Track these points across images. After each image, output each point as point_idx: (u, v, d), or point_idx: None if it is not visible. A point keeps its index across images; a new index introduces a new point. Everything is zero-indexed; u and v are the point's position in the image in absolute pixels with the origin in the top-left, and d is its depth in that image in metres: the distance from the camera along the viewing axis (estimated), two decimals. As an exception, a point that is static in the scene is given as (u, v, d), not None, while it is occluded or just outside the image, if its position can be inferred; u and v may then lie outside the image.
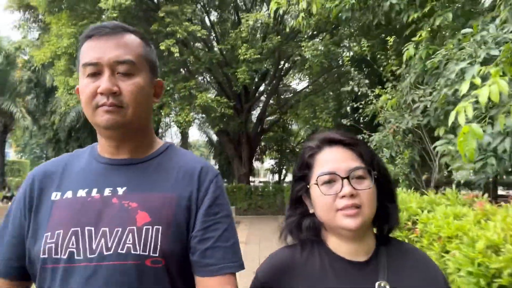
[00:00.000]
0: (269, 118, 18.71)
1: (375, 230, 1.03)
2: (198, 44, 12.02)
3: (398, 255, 0.98)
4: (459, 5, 4.93)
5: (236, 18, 13.83)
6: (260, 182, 23.29)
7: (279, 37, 10.73)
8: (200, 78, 14.78)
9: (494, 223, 1.66)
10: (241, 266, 0.94)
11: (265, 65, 12.81)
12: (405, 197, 2.91)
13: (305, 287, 0.94)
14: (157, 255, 0.85)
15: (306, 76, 15.09)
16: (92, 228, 0.87)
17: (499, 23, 3.79)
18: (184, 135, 23.46)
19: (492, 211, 1.92)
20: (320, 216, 0.98)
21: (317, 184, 0.96)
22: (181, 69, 12.59)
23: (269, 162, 28.85)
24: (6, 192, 23.23)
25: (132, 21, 10.31)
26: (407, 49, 4.82)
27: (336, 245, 0.98)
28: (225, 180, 21.64)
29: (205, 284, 0.90)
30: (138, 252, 0.84)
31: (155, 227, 0.87)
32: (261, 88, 16.61)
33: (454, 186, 3.38)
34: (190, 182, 0.96)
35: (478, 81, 2.99)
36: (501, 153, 3.08)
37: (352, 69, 5.54)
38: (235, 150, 16.60)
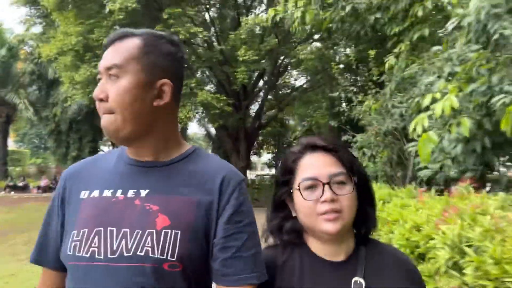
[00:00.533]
0: (267, 113, 19.28)
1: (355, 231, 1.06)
2: (199, 42, 12.54)
3: (376, 255, 1.00)
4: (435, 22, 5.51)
5: (236, 15, 14.46)
6: (257, 175, 23.91)
7: (276, 40, 11.37)
8: (199, 74, 15.30)
9: (423, 210, 2.28)
10: (262, 277, 0.93)
11: (263, 66, 13.40)
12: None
13: (284, 285, 0.96)
14: (174, 259, 0.85)
15: (304, 73, 15.60)
16: (114, 229, 0.88)
17: (464, 41, 4.38)
18: (184, 129, 24.05)
19: (428, 201, 2.54)
20: (302, 220, 1.00)
21: (299, 189, 0.98)
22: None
23: (266, 156, 29.55)
24: (8, 181, 23.81)
25: (137, 22, 10.86)
26: (389, 59, 5.42)
27: (316, 247, 1.01)
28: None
29: None
30: (156, 256, 0.84)
31: (174, 231, 0.87)
32: (260, 85, 17.18)
33: (417, 182, 4.00)
34: (212, 187, 0.94)
35: (438, 95, 3.59)
36: (457, 156, 3.69)
37: (340, 76, 6.13)
38: (233, 145, 17.26)
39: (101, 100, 0.91)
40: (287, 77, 17.74)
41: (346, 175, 0.98)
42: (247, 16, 13.21)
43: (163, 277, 0.84)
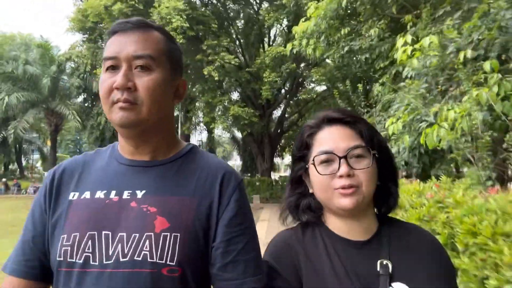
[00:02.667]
0: (289, 119, 21.35)
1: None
2: (231, 66, 14.89)
3: (400, 235, 0.95)
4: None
5: (261, 46, 17.07)
6: (280, 176, 25.90)
7: (294, 65, 13.62)
8: (230, 90, 17.75)
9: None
10: (263, 280, 0.89)
11: (284, 84, 15.73)
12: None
13: (308, 269, 0.92)
14: (174, 263, 0.81)
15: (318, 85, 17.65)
16: (109, 233, 0.83)
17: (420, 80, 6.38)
18: (211, 132, 26.40)
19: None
20: (318, 196, 0.96)
21: (314, 164, 0.93)
22: (217, 88, 15.70)
23: (288, 158, 31.51)
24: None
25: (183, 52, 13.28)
26: (377, 87, 7.44)
27: (336, 225, 0.97)
28: (249, 174, 24.43)
29: None
30: (155, 260, 0.80)
31: (173, 234, 0.83)
32: (282, 92, 19.35)
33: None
34: (212, 188, 0.90)
35: (394, 119, 5.65)
36: (408, 160, 5.76)
37: (340, 101, 8.23)
38: (258, 149, 19.46)
39: (127, 89, 0.84)
40: (304, 89, 19.79)
41: (365, 148, 0.92)
42: (269, 45, 15.56)
43: (161, 283, 0.80)
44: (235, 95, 18.48)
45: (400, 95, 6.29)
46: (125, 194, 0.88)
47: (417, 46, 5.09)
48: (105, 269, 0.81)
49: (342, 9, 7.87)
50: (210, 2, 14.03)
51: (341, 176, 0.90)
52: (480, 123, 4.08)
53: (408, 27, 6.30)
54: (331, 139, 0.94)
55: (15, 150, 32.86)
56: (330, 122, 0.96)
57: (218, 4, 14.23)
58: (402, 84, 6.53)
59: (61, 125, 29.46)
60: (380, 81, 7.46)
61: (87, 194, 0.90)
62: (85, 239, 0.83)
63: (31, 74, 26.05)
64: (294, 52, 9.60)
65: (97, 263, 0.81)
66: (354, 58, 8.02)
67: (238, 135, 24.44)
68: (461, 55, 4.62)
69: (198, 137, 29.39)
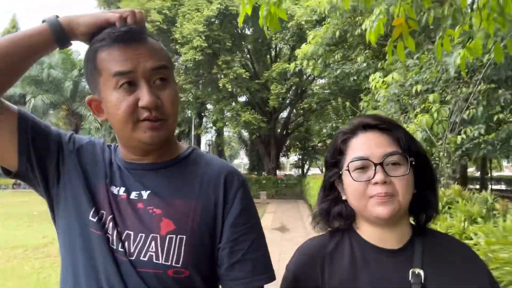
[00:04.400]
0: (294, 121, 23.20)
1: (412, 220, 0.97)
2: (243, 75, 16.83)
3: (435, 244, 0.92)
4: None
5: (269, 61, 19.09)
6: (285, 175, 27.67)
7: (297, 79, 15.50)
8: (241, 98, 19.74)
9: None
10: (271, 278, 0.89)
11: (289, 95, 17.76)
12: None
13: (336, 277, 0.90)
14: (179, 265, 0.81)
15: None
16: (117, 229, 0.84)
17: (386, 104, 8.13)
18: (220, 133, 28.30)
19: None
20: (352, 203, 0.93)
21: (348, 170, 0.90)
22: (230, 97, 17.74)
23: (293, 158, 33.35)
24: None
25: (200, 67, 15.31)
26: (362, 103, 9.22)
27: (368, 232, 0.94)
28: (256, 173, 26.23)
29: None
30: (160, 262, 0.80)
31: (179, 236, 0.83)
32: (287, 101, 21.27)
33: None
34: (216, 189, 0.89)
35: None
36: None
37: (332, 114, 10.04)
38: (265, 149, 21.32)
39: (156, 107, 0.80)
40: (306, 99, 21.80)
41: (402, 156, 0.88)
42: (276, 61, 17.61)
43: (167, 284, 0.80)
44: (243, 98, 20.38)
45: (377, 113, 8.08)
46: (133, 195, 0.87)
47: (385, 79, 6.88)
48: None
49: (335, 38, 9.66)
50: (225, 22, 15.94)
51: (376, 183, 0.86)
52: (421, 140, 5.85)
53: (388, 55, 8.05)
54: (367, 145, 0.90)
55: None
56: (365, 128, 0.93)
57: (232, 25, 16.21)
58: (378, 103, 8.31)
59: (80, 125, 31.54)
60: (365, 98, 9.23)
61: (102, 185, 0.89)
62: (107, 221, 0.84)
63: (54, 77, 28.08)
64: (297, 70, 11.47)
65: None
66: (345, 79, 9.80)
67: (246, 135, 26.27)
68: (414, 89, 6.42)
69: (207, 137, 31.29)
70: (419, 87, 6.27)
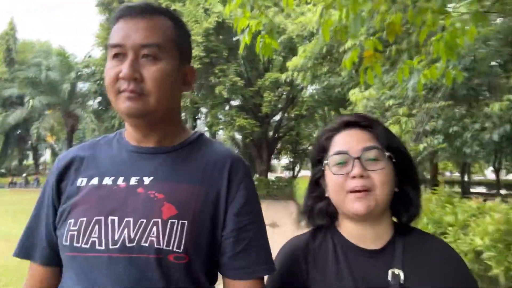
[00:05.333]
0: (286, 124, 24.21)
1: (395, 219, 0.97)
2: (238, 83, 17.85)
3: (417, 246, 0.91)
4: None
5: (262, 69, 20.29)
6: (276, 177, 28.67)
7: (289, 87, 16.66)
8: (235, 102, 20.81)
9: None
10: (272, 269, 0.89)
11: (280, 105, 18.95)
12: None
13: (318, 275, 0.91)
14: (180, 251, 0.80)
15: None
16: (116, 218, 0.82)
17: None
18: (214, 136, 29.24)
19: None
20: (332, 198, 0.94)
21: (328, 164, 0.93)
22: (226, 102, 18.81)
23: (284, 160, 34.41)
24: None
25: (197, 75, 16.42)
26: (345, 112, 10.29)
27: (349, 230, 0.95)
28: (248, 174, 27.06)
29: (236, 287, 0.87)
30: (161, 246, 0.79)
31: (180, 221, 0.82)
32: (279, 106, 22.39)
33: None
34: (220, 175, 0.89)
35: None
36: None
37: (320, 122, 11.08)
38: (258, 152, 22.34)
39: (134, 79, 0.82)
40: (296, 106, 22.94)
41: (380, 151, 0.89)
42: (268, 69, 18.81)
43: (167, 269, 0.80)
44: (236, 102, 21.45)
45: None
46: (133, 180, 0.87)
47: (362, 94, 7.94)
48: (112, 253, 0.79)
49: (322, 52, 10.71)
50: (222, 34, 17.02)
51: (354, 177, 0.87)
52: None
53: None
54: (347, 141, 0.92)
55: (31, 147, 35.48)
56: (347, 125, 0.95)
57: (229, 36, 17.31)
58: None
59: (76, 126, 32.10)
60: (349, 108, 10.30)
61: (95, 181, 0.89)
62: (91, 224, 0.82)
63: (52, 79, 28.69)
64: (288, 80, 12.50)
65: (103, 248, 0.80)
66: (331, 90, 10.87)
67: (238, 137, 27.21)
68: (386, 103, 7.48)
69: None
70: (391, 101, 7.33)
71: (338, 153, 0.92)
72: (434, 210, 3.25)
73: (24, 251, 0.94)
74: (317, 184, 1.01)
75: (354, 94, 8.13)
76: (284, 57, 15.96)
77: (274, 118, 23.13)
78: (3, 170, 34.55)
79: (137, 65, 0.83)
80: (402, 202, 0.94)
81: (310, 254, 0.96)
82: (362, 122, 0.95)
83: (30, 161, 40.20)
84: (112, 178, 0.89)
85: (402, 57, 5.53)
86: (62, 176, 0.94)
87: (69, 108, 29.92)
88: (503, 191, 21.23)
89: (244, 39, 3.53)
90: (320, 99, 13.02)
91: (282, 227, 10.42)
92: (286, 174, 34.02)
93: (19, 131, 32.82)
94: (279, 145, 26.60)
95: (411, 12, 3.29)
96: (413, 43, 5.03)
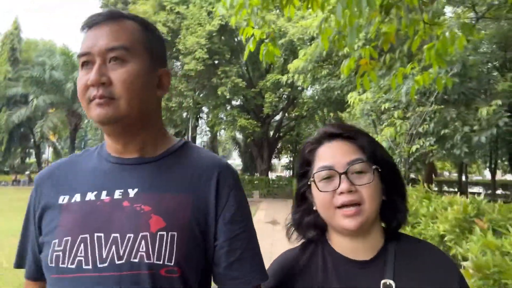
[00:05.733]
0: (286, 124, 24.69)
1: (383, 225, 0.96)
2: (240, 84, 18.30)
3: (408, 253, 0.90)
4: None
5: (263, 71, 20.77)
6: (277, 176, 29.07)
7: (289, 88, 17.09)
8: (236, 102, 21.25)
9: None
10: (266, 277, 0.88)
11: (281, 105, 19.42)
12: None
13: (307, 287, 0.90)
14: (172, 264, 0.77)
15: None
16: (102, 235, 0.79)
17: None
18: (215, 135, 29.66)
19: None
20: (321, 214, 0.92)
21: (314, 181, 0.90)
22: (227, 103, 19.27)
23: (284, 160, 34.80)
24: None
25: (201, 76, 16.80)
26: (345, 113, 10.67)
27: (339, 243, 0.93)
28: (249, 173, 27.61)
29: None
30: (152, 261, 0.76)
31: (170, 233, 0.79)
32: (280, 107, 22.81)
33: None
34: (207, 184, 0.86)
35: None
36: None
37: (319, 123, 11.46)
38: (258, 151, 22.75)
39: (101, 84, 0.79)
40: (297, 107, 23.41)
41: (366, 163, 0.88)
42: (269, 71, 19.28)
43: (159, 284, 0.77)
44: (238, 101, 21.92)
45: (355, 124, 9.54)
46: (117, 194, 0.83)
47: (360, 97, 8.33)
48: (100, 272, 0.76)
49: (322, 56, 11.11)
50: (225, 36, 17.47)
51: (341, 193, 0.85)
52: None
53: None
54: (331, 154, 0.90)
55: (34, 145, 35.89)
56: (330, 137, 0.93)
57: (231, 38, 17.75)
58: (357, 115, 9.77)
59: (79, 125, 32.52)
60: (347, 110, 10.69)
61: (77, 197, 0.85)
62: (77, 243, 0.79)
63: (56, 78, 29.06)
64: (289, 82, 12.92)
65: (90, 267, 0.77)
66: (330, 92, 11.27)
67: (239, 137, 27.67)
68: (382, 106, 7.86)
69: (203, 138, 32.59)
70: (387, 105, 7.72)
71: (324, 168, 0.90)
72: (412, 204, 3.68)
73: (19, 262, 0.95)
74: (303, 197, 0.99)
75: (352, 97, 8.52)
76: (285, 59, 16.38)
77: (275, 118, 23.55)
78: (6, 168, 34.94)
79: (105, 70, 0.81)
80: (390, 209, 0.93)
81: (298, 271, 0.94)
82: (345, 133, 0.93)
83: (32, 159, 40.65)
84: (95, 192, 0.85)
85: (396, 65, 5.93)
86: (40, 199, 0.90)
87: (72, 107, 30.30)
88: (499, 191, 21.63)
89: (249, 46, 3.87)
90: (320, 101, 13.43)
91: (282, 224, 10.82)
92: (286, 173, 34.38)
93: (22, 130, 33.24)
94: (279, 145, 27.01)
95: (404, 23, 3.66)
96: (405, 52, 5.42)
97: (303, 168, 0.97)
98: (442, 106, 6.98)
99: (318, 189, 0.90)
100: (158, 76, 0.89)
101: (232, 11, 3.48)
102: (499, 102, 6.38)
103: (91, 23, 0.85)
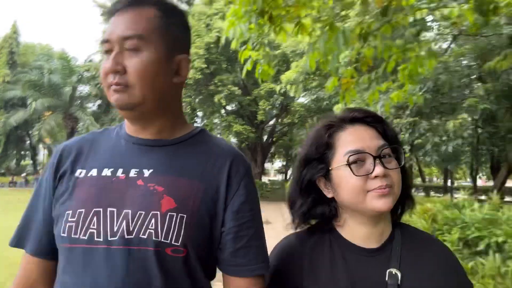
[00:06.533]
0: (279, 129, 25.53)
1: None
2: (236, 92, 19.17)
3: (414, 245, 0.91)
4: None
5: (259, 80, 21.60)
6: (269, 180, 29.84)
7: (282, 97, 18.10)
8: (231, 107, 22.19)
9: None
10: (269, 268, 0.90)
11: (275, 110, 20.43)
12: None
13: (315, 276, 0.89)
14: (178, 244, 0.80)
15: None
16: (115, 210, 0.82)
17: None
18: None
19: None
20: (347, 199, 0.88)
21: (348, 164, 0.86)
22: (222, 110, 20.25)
23: (277, 164, 35.62)
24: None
25: (198, 83, 17.70)
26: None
27: (351, 230, 0.92)
28: (243, 177, 28.28)
29: (236, 284, 0.88)
30: (159, 239, 0.79)
31: (179, 214, 0.82)
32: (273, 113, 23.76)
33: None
34: (220, 172, 0.89)
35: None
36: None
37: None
38: (252, 155, 23.64)
39: (116, 72, 0.82)
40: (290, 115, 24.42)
41: (390, 149, 0.88)
42: (263, 80, 20.34)
43: (165, 262, 0.80)
44: (232, 107, 22.88)
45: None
46: (132, 172, 0.87)
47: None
48: (110, 245, 0.80)
49: (312, 68, 11.99)
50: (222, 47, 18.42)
51: (376, 177, 0.84)
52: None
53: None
54: (359, 138, 0.88)
55: (31, 147, 36.27)
56: (352, 121, 0.91)
57: (228, 49, 18.70)
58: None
59: (76, 128, 32.95)
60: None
61: (93, 172, 0.89)
62: (90, 216, 0.82)
63: (54, 82, 29.55)
64: (282, 91, 13.81)
65: (101, 239, 0.80)
66: (320, 101, 12.18)
67: (233, 140, 28.48)
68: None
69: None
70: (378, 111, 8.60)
71: (356, 152, 0.86)
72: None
73: (17, 240, 0.93)
74: (310, 185, 0.94)
75: (339, 108, 9.41)
76: (279, 69, 17.35)
77: (268, 124, 24.45)
78: (2, 170, 35.28)
79: (121, 58, 0.83)
80: (401, 196, 0.91)
81: (306, 256, 0.92)
82: (368, 118, 0.91)
83: (27, 161, 40.93)
84: (111, 169, 0.88)
85: (373, 84, 6.82)
86: (60, 167, 0.92)
87: (69, 111, 30.79)
88: (483, 196, 22.59)
89: (247, 66, 4.49)
90: (310, 109, 14.34)
91: (274, 224, 11.65)
92: (279, 177, 35.14)
93: (19, 132, 33.63)
94: (272, 149, 27.83)
95: (380, 48, 4.48)
96: (380, 74, 6.33)
97: (319, 152, 0.92)
98: (417, 118, 7.88)
99: (353, 172, 0.86)
100: (177, 62, 0.90)
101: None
102: (465, 116, 7.30)
103: (113, 10, 0.87)
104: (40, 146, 39.02)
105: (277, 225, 11.75)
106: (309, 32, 4.38)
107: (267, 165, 32.69)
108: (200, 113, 23.95)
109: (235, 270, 0.88)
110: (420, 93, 8.19)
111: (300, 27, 4.07)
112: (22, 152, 38.43)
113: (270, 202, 20.88)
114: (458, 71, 8.70)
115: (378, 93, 5.81)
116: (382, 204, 0.84)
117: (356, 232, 0.92)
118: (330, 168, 0.90)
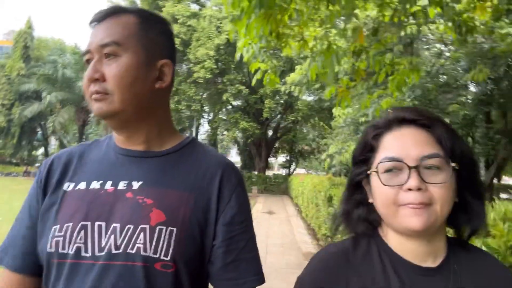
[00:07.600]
0: (284, 125, 26.53)
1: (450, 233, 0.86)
2: (244, 91, 20.31)
3: (474, 266, 0.79)
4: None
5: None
6: (273, 174, 30.87)
7: (286, 96, 19.15)
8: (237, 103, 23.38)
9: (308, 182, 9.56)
10: (262, 280, 0.88)
11: (279, 108, 21.66)
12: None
13: None
14: (168, 259, 0.78)
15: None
16: (103, 224, 0.81)
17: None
18: (215, 134, 31.52)
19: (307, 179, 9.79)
20: (379, 210, 0.80)
21: (377, 171, 0.78)
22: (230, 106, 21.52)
23: (281, 159, 36.70)
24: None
25: (208, 83, 18.86)
26: (333, 122, 12.57)
27: (398, 244, 0.80)
28: (247, 170, 29.40)
29: None
30: (148, 254, 0.77)
31: (169, 228, 0.80)
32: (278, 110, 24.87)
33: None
34: (210, 184, 0.87)
35: (335, 144, 10.88)
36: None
37: (311, 129, 13.41)
38: (257, 150, 24.81)
39: (95, 80, 0.82)
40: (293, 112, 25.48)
41: (443, 159, 0.75)
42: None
43: (154, 278, 0.77)
44: (238, 102, 24.01)
45: (336, 134, 11.48)
46: (121, 185, 0.85)
47: (343, 111, 10.25)
48: (97, 261, 0.78)
49: (312, 79, 13.01)
50: (231, 48, 19.48)
51: (409, 190, 0.73)
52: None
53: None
54: (401, 143, 0.77)
55: (44, 138, 37.60)
56: (401, 123, 0.80)
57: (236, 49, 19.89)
58: (342, 124, 11.71)
59: (87, 120, 34.19)
60: (334, 120, 12.62)
61: (82, 185, 0.87)
62: (77, 230, 0.80)
63: (67, 77, 30.75)
64: (287, 91, 14.88)
65: (89, 254, 0.78)
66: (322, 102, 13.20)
67: (239, 135, 29.60)
68: (362, 119, 9.78)
69: (202, 136, 34.48)
70: (363, 118, 9.64)
71: (391, 159, 0.76)
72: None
73: (11, 261, 0.89)
74: (358, 185, 0.87)
75: (337, 110, 10.44)
76: (284, 70, 18.39)
77: (273, 120, 25.55)
78: (16, 161, 36.68)
79: (100, 66, 0.83)
80: (463, 213, 0.80)
81: (352, 270, 0.79)
82: (420, 120, 0.79)
83: (38, 151, 42.31)
84: (100, 182, 0.87)
85: (364, 94, 7.86)
86: (48, 180, 0.91)
87: (81, 104, 32.00)
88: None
89: (257, 76, 5.71)
90: (313, 108, 15.38)
91: (277, 214, 12.82)
92: (283, 171, 36.26)
93: (32, 124, 34.93)
94: (277, 145, 28.87)
95: (371, 62, 5.49)
96: (371, 85, 7.37)
97: (363, 154, 0.84)
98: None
99: (381, 182, 0.76)
100: (158, 68, 0.88)
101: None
102: (448, 121, 8.29)
103: (93, 21, 0.88)
104: (52, 137, 40.50)
105: (280, 215, 12.98)
106: (311, 48, 5.42)
107: (271, 159, 33.81)
108: (206, 109, 25.15)
109: (226, 284, 0.86)
110: (409, 99, 9.25)
111: (303, 43, 5.12)
112: (35, 143, 39.77)
113: (273, 195, 22.16)
114: (453, 75, 9.65)
115: (369, 101, 6.87)
116: (414, 222, 0.73)
117: (404, 246, 0.80)
118: (368, 173, 0.83)
